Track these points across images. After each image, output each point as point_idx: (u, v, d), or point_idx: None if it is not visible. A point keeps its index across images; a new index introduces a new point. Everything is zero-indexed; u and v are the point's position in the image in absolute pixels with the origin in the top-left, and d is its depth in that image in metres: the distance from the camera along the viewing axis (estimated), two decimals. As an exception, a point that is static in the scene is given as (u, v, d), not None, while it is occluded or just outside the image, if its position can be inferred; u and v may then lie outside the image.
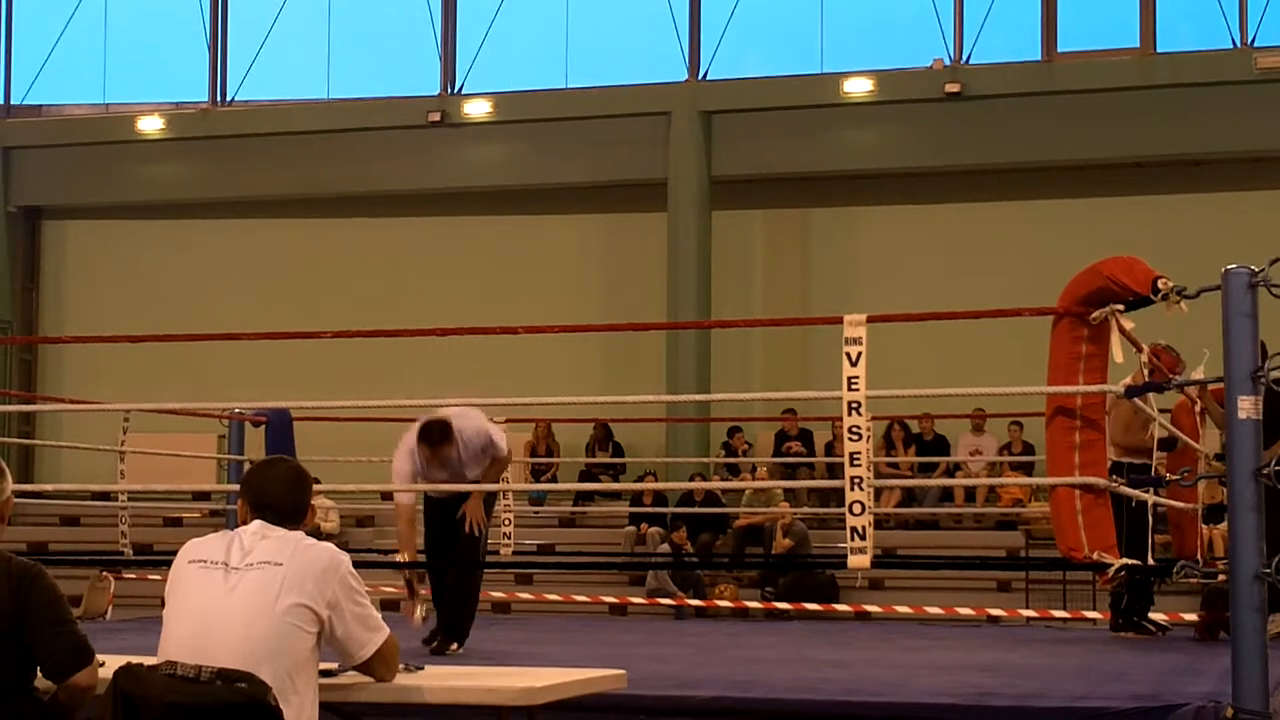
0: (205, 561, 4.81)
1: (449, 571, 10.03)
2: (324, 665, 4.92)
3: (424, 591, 10.00)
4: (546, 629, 13.24)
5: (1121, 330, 7.32)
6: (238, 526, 4.94)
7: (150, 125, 23.98)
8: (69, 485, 18.73)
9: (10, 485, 5.17)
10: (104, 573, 16.03)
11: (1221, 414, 10.22)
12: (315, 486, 5.19)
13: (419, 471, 9.90)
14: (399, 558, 10.02)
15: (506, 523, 13.76)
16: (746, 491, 18.78)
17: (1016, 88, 21.12)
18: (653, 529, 18.98)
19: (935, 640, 11.78)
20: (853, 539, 7.45)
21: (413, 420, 10.15)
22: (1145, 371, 8.60)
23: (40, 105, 25.29)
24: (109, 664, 4.89)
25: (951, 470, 19.90)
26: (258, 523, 4.89)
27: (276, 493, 4.97)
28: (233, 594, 4.70)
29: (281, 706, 4.58)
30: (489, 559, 10.35)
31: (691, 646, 10.66)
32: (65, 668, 4.89)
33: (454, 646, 9.84)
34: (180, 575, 4.84)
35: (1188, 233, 19.57)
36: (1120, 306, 7.22)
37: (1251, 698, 6.19)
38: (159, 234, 24.56)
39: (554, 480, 20.49)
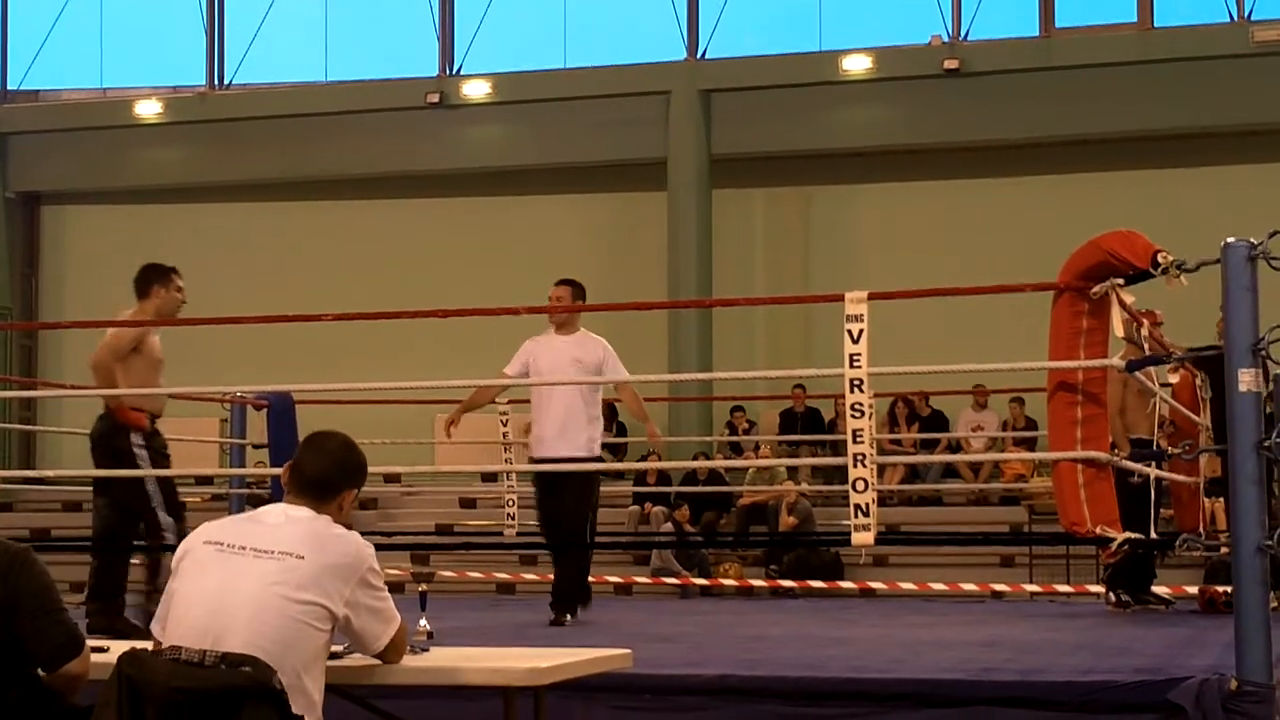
0: (222, 545, 4.70)
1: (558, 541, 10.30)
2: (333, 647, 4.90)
3: None
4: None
5: (1122, 304, 7.32)
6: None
7: (148, 109, 23.96)
8: (71, 471, 18.68)
9: None
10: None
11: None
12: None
13: (529, 356, 10.27)
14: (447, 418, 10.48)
15: (510, 503, 13.77)
16: (750, 470, 18.79)
17: (1015, 63, 21.11)
18: (656, 508, 19.00)
19: (939, 616, 11.79)
20: (856, 516, 7.45)
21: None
22: (1145, 346, 8.60)
23: (38, 90, 25.27)
24: (113, 649, 4.87)
25: (954, 446, 19.90)
26: (281, 505, 4.80)
27: (309, 462, 4.87)
28: (247, 582, 4.60)
29: (289, 697, 4.53)
30: (498, 539, 10.43)
31: (697, 625, 10.68)
32: (56, 658, 4.80)
33: (566, 618, 10.17)
34: (195, 555, 4.73)
35: (1187, 206, 19.57)
36: (1120, 281, 7.21)
37: (1255, 670, 6.19)
38: (158, 218, 24.51)
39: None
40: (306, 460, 4.88)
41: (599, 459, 10.59)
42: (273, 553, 4.65)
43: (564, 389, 10.21)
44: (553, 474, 10.02)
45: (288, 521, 4.74)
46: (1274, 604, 6.56)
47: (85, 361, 9.68)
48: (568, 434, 10.28)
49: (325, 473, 4.86)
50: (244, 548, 4.68)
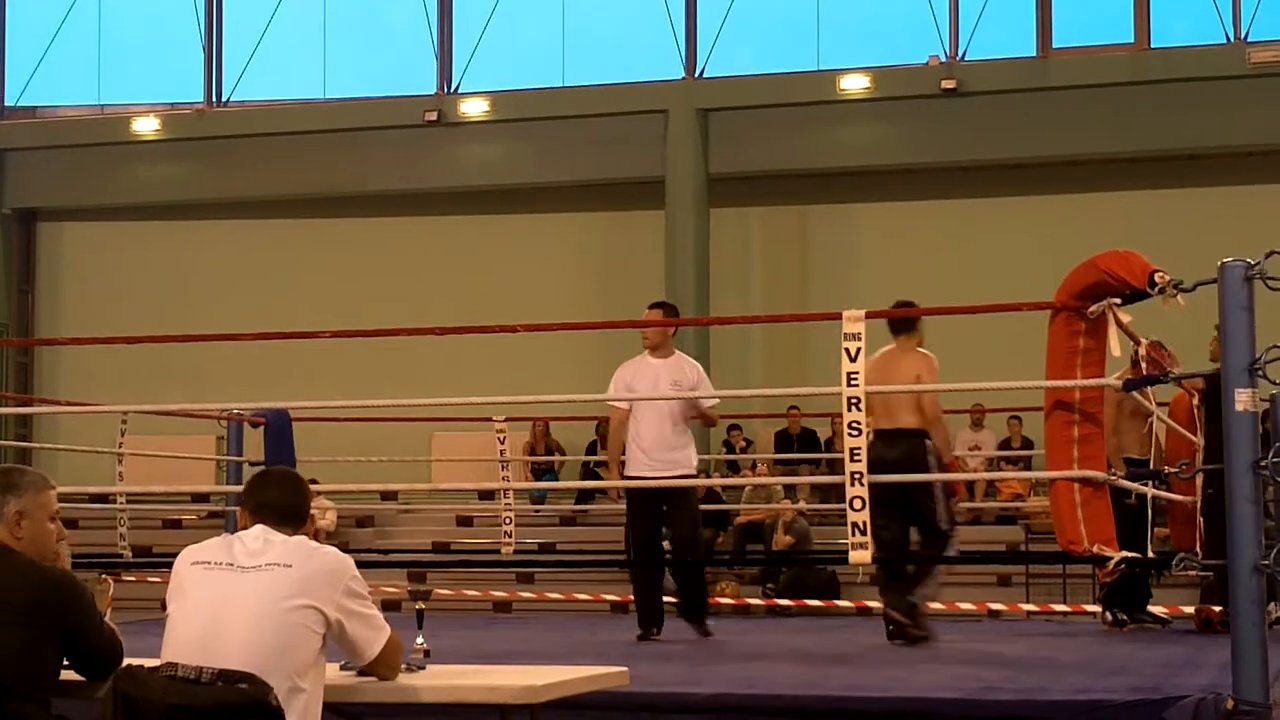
0: (209, 563, 4.78)
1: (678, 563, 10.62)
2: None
3: None
4: (548, 627, 13.25)
5: (1119, 324, 7.32)
6: (237, 531, 4.94)
7: (146, 126, 23.98)
8: (67, 488, 18.60)
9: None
10: (103, 575, 15.99)
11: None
12: (315, 486, 5.19)
13: (627, 380, 10.44)
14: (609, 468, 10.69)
15: (507, 521, 13.77)
16: (746, 488, 18.78)
17: (1012, 84, 21.15)
18: (652, 526, 18.93)
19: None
20: (853, 534, 7.46)
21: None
22: (1143, 366, 8.60)
23: (35, 107, 25.28)
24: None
25: (951, 465, 19.86)
26: (259, 527, 4.87)
27: (274, 493, 4.97)
28: (241, 594, 4.68)
29: (286, 708, 4.56)
30: (495, 557, 10.44)
31: (693, 644, 10.67)
32: (116, 659, 4.94)
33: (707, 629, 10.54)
34: (184, 578, 4.81)
35: (1184, 227, 19.57)
36: (1117, 300, 7.22)
37: (1251, 689, 6.20)
38: (155, 235, 24.55)
39: (555, 479, 20.47)
40: (273, 494, 4.99)
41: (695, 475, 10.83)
42: (260, 565, 4.74)
43: (659, 412, 10.38)
44: (660, 495, 10.32)
45: (269, 540, 4.83)
46: (1274, 614, 6.56)
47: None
48: (666, 455, 10.46)
49: (297, 501, 5.01)
50: (231, 564, 4.77)
